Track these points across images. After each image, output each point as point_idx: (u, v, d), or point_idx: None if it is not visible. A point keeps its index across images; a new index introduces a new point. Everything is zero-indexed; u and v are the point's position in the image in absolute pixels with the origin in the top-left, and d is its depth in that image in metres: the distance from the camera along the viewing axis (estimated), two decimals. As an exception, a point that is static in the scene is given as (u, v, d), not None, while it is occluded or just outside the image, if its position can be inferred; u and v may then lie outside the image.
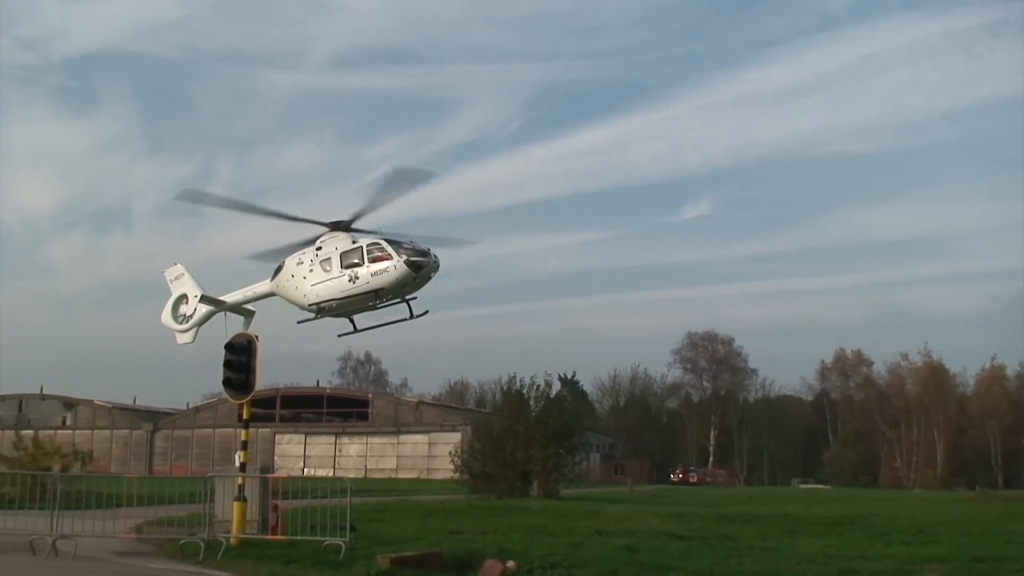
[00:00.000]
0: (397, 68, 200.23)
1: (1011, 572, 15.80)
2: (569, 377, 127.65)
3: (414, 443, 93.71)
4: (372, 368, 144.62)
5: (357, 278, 26.39)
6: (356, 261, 26.59)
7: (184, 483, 25.57)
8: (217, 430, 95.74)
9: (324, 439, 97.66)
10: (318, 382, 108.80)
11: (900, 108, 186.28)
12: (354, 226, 27.03)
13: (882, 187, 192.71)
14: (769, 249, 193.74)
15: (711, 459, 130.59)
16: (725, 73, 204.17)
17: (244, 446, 22.07)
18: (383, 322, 29.31)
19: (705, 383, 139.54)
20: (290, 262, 28.13)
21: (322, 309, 27.68)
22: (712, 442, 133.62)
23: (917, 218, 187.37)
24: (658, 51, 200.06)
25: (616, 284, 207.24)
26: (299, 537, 19.33)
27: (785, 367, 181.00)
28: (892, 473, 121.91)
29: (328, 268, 27.06)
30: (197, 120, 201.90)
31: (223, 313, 29.52)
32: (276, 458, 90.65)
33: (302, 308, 27.96)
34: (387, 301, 27.23)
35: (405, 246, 26.46)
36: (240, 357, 22.12)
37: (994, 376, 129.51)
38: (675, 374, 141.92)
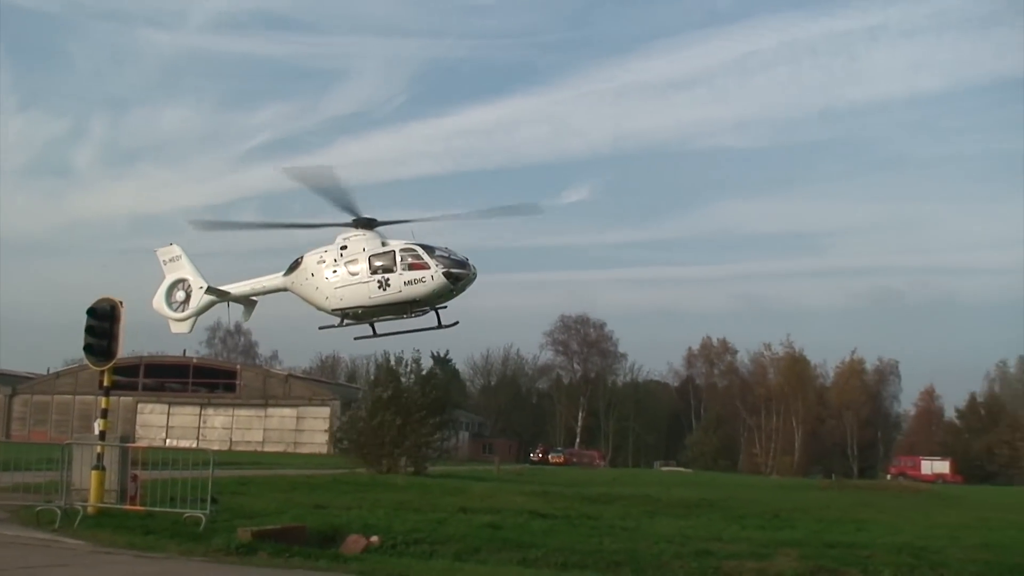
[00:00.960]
0: (281, 35, 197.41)
1: (860, 558, 16.39)
2: (442, 355, 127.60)
3: (282, 417, 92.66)
4: (242, 339, 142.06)
5: (388, 285, 24.90)
6: (388, 266, 25.08)
7: (42, 450, 24.73)
8: (77, 397, 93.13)
9: (188, 410, 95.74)
10: (184, 351, 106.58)
11: (778, 105, 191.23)
12: (381, 225, 25.57)
13: (757, 182, 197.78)
14: (644, 237, 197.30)
15: (578, 440, 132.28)
16: (611, 61, 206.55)
17: (104, 414, 21.43)
18: (407, 329, 27.84)
19: (576, 366, 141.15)
20: (310, 259, 26.52)
21: (346, 315, 26.31)
22: (580, 423, 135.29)
23: (788, 214, 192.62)
24: (546, 35, 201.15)
25: (494, 265, 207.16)
26: (159, 508, 19.00)
27: (653, 353, 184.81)
28: (751, 459, 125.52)
29: (355, 270, 25.50)
30: (72, 77, 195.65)
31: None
32: (138, 428, 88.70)
33: (322, 310, 26.43)
34: (418, 311, 25.81)
35: (441, 253, 24.66)
36: (103, 323, 21.33)
37: (853, 369, 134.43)
38: (547, 356, 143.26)
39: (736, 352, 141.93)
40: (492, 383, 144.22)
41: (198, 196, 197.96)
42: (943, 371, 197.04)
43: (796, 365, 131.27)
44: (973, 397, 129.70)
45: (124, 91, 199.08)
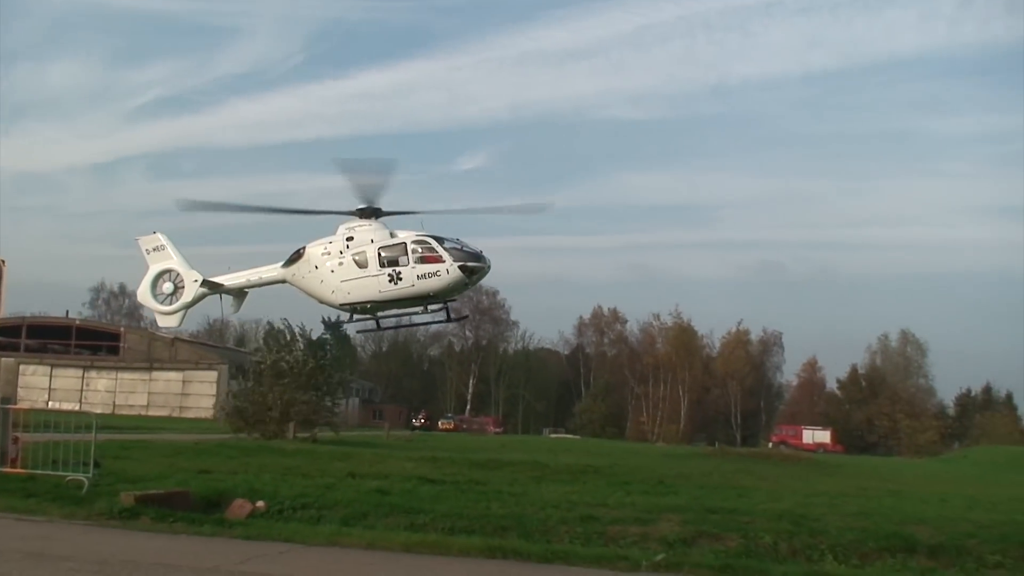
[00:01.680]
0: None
1: (741, 524, 16.82)
2: (332, 321, 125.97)
3: (167, 380, 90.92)
4: (127, 301, 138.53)
5: (400, 279, 24.09)
6: (398, 259, 24.29)
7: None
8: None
9: (71, 372, 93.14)
10: (67, 312, 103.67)
11: (673, 79, 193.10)
12: (386, 215, 24.81)
13: (650, 154, 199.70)
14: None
15: (468, 407, 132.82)
16: (510, 29, 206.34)
17: (-16, 376, 20.85)
18: (414, 321, 26.56)
19: (468, 333, 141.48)
20: (313, 250, 25.48)
21: (355, 310, 25.63)
22: (471, 390, 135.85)
23: (680, 186, 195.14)
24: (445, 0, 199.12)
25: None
26: (40, 471, 18.61)
27: (545, 321, 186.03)
28: (638, 427, 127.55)
29: (363, 263, 24.63)
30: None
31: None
32: (19, 389, 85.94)
33: (326, 304, 25.90)
34: (430, 305, 25.11)
35: (453, 245, 24.01)
36: (-17, 283, 20.68)
37: (738, 340, 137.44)
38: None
39: (626, 322, 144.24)
40: (383, 349, 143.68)
41: (85, 154, 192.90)
42: (826, 343, 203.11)
43: (684, 335, 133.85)
44: (854, 369, 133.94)
45: (10, 44, 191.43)
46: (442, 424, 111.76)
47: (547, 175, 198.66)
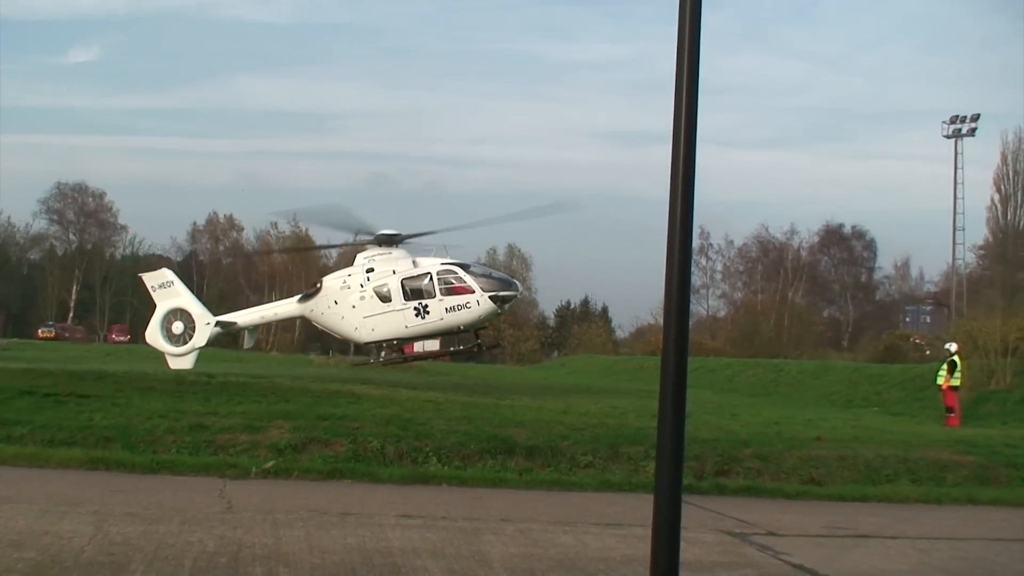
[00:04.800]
0: None
1: (350, 429, 17.24)
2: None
3: None
4: None
5: (427, 312, 22.66)
6: (424, 290, 22.82)
7: None
8: None
9: None
10: None
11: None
12: (406, 240, 22.85)
13: (273, 59, 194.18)
14: (152, 104, 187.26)
15: (71, 315, 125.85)
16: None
17: None
18: (440, 351, 23.76)
19: (72, 236, 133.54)
20: (332, 283, 24.19)
21: (380, 347, 23.97)
22: (74, 297, 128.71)
23: (301, 94, 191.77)
24: None
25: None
26: None
27: (157, 226, 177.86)
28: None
29: (386, 296, 23.13)
30: None
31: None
32: None
33: (349, 340, 24.33)
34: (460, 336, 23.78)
35: (481, 273, 21.86)
36: None
37: (356, 250, 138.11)
38: (40, 224, 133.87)
39: (242, 229, 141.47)
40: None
41: None
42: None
43: (301, 244, 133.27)
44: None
45: None
46: (42, 332, 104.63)
47: (165, 73, 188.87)
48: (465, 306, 23.28)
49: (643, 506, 7.96)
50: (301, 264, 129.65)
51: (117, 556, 9.10)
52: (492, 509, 12.85)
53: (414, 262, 24.57)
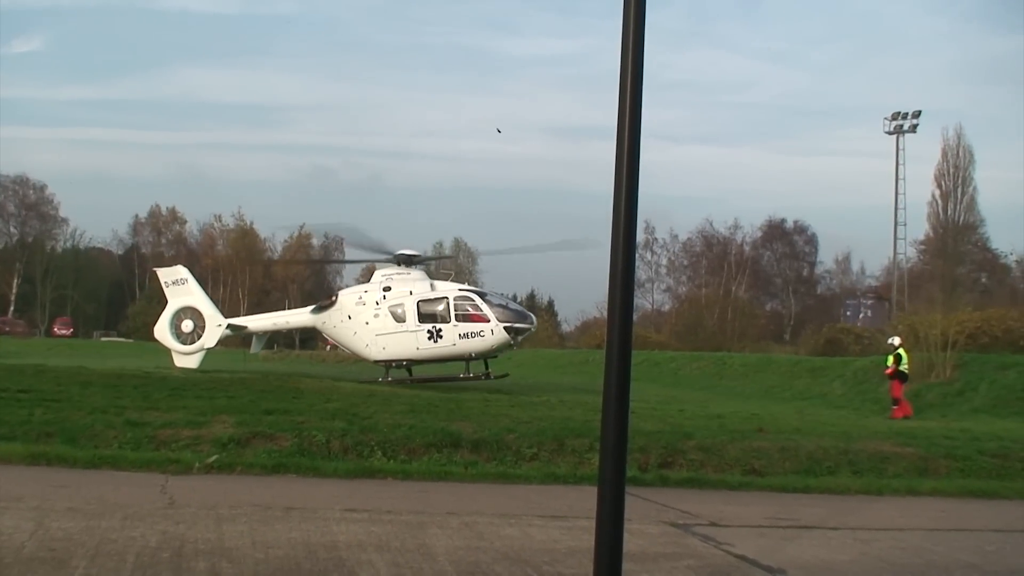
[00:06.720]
0: None
1: (295, 423, 17.16)
2: None
3: None
4: None
5: (440, 337, 22.59)
6: (439, 314, 22.67)
7: None
8: None
9: None
10: None
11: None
12: (424, 261, 21.36)
13: (219, 51, 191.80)
14: (95, 96, 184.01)
15: (12, 308, 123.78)
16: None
17: None
18: (447, 377, 23.16)
19: (13, 229, 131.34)
20: (347, 298, 23.93)
21: (390, 366, 23.74)
22: (15, 291, 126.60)
23: (246, 86, 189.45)
24: None
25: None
26: None
27: (98, 219, 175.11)
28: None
29: (401, 317, 22.85)
30: None
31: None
32: None
33: (359, 356, 23.81)
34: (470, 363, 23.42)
35: (498, 303, 21.58)
36: None
37: (300, 244, 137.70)
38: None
39: (185, 222, 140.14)
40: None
41: None
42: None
43: (245, 237, 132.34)
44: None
45: None
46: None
47: (108, 64, 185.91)
48: (479, 334, 23.41)
49: (588, 498, 8.01)
50: (247, 257, 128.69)
51: (58, 551, 8.98)
52: (438, 502, 12.85)
53: (432, 285, 24.54)
